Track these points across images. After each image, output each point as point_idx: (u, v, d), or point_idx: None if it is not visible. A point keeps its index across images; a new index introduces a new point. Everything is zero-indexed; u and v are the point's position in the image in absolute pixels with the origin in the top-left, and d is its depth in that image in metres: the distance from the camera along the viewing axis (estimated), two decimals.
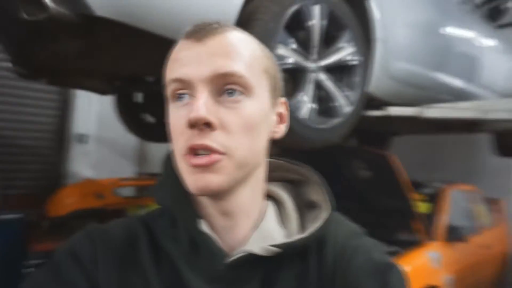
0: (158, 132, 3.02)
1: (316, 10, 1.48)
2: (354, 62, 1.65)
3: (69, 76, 2.14)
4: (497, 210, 4.03)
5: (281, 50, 1.41)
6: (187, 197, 0.50)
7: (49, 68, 1.95)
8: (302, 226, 0.54)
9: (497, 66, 3.16)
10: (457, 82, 2.62)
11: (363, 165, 2.76)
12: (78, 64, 1.82)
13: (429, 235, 2.68)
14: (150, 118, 2.97)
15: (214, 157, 0.44)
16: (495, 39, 3.22)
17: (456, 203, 3.10)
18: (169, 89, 0.48)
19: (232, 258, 0.48)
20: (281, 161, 0.59)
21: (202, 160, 0.44)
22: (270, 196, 0.56)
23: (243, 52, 0.48)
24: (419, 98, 2.27)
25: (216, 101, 0.46)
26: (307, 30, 1.50)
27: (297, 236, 0.50)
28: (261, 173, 0.53)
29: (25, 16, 1.20)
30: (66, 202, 3.00)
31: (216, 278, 0.48)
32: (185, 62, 0.46)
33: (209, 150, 0.44)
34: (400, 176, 2.61)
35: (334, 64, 1.61)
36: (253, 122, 0.48)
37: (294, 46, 1.47)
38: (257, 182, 0.52)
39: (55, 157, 3.59)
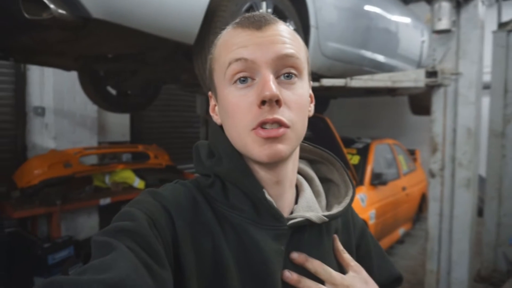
0: (119, 103, 3.21)
1: (264, 5, 1.83)
2: None
3: (42, 56, 2.25)
4: (415, 159, 4.79)
5: None
6: (251, 171, 0.55)
7: (26, 49, 2.06)
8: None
9: (411, 40, 3.61)
10: (378, 56, 3.05)
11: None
12: (57, 48, 1.97)
13: (359, 181, 3.26)
14: (111, 91, 3.14)
15: (283, 130, 0.50)
16: (407, 16, 3.63)
17: (379, 154, 3.69)
18: (230, 70, 0.52)
19: (294, 221, 0.55)
20: (303, 143, 0.64)
21: (273, 132, 0.50)
22: (298, 172, 0.62)
23: (295, 40, 0.55)
24: (347, 71, 2.68)
25: (277, 82, 0.51)
26: None
27: (337, 209, 0.60)
28: (298, 148, 0.59)
29: (26, 15, 1.31)
30: (36, 173, 3.10)
31: (279, 236, 0.54)
32: (247, 45, 0.51)
33: (278, 123, 0.50)
34: (335, 134, 3.12)
35: None
36: (304, 101, 0.54)
37: None
38: (296, 156, 0.59)
39: (16, 131, 3.54)
